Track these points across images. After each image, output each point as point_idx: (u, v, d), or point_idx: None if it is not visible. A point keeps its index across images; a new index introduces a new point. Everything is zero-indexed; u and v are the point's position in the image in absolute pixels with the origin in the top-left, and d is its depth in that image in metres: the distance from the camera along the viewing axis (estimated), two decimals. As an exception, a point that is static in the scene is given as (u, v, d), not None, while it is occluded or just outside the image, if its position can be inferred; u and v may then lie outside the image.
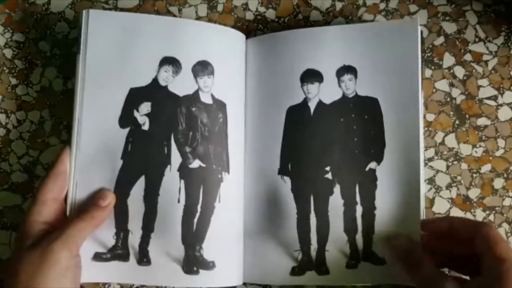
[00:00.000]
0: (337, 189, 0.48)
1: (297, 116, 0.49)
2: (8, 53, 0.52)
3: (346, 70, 0.48)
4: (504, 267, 0.39)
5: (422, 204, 0.46)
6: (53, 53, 0.52)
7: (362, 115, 0.48)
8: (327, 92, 0.49)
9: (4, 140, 0.51)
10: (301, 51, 0.49)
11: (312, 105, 0.49)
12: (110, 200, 0.45)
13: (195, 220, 0.47)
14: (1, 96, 0.52)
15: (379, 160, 0.47)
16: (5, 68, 0.52)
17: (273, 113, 0.49)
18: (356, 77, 0.48)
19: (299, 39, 0.49)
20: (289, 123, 0.49)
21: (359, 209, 0.47)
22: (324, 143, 0.48)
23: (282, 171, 0.48)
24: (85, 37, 0.47)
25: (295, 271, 0.47)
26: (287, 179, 0.48)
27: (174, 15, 0.53)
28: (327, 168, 0.48)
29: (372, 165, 0.47)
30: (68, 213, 0.46)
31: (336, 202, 0.48)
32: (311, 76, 0.49)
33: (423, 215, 0.46)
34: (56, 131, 0.51)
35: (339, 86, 0.48)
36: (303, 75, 0.49)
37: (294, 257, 0.48)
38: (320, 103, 0.49)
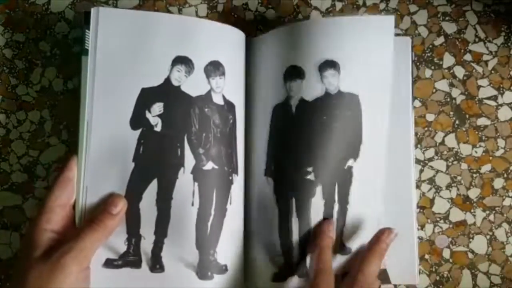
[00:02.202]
0: (319, 189, 0.46)
1: (280, 115, 0.48)
2: (8, 53, 0.52)
3: (328, 64, 0.47)
4: None
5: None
6: (53, 53, 0.52)
7: (345, 112, 0.47)
8: (310, 88, 0.47)
9: (4, 140, 0.51)
10: (283, 48, 0.48)
11: (294, 103, 0.47)
12: (121, 206, 0.44)
13: (209, 223, 0.45)
14: (1, 96, 0.52)
15: (355, 156, 0.46)
16: (5, 68, 0.52)
17: (261, 112, 0.49)
18: (339, 72, 0.47)
19: (281, 37, 0.48)
20: (274, 122, 0.48)
21: (336, 207, 0.47)
22: (306, 142, 0.47)
23: (267, 172, 0.48)
24: (94, 36, 0.46)
25: (277, 277, 0.47)
26: (270, 181, 0.47)
27: (174, 15, 0.53)
28: (309, 169, 0.46)
29: (350, 162, 0.46)
30: (77, 220, 0.44)
31: (317, 203, 0.46)
32: (292, 73, 0.48)
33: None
34: (56, 131, 0.51)
35: (322, 82, 0.47)
36: (285, 73, 0.48)
37: (276, 262, 0.47)
38: (301, 101, 0.47)
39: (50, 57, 0.52)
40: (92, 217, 0.43)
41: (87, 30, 0.46)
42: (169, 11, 0.53)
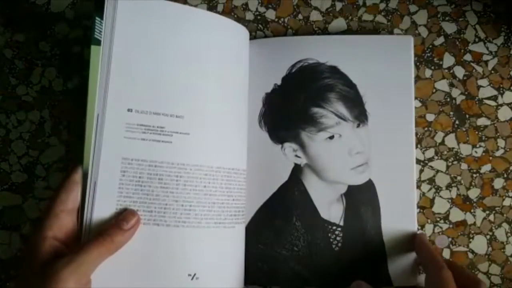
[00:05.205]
0: None
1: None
2: (8, 53, 0.52)
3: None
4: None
5: None
6: (53, 53, 0.52)
7: None
8: None
9: (4, 140, 0.51)
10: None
11: None
12: (134, 222, 0.41)
13: None
14: (1, 96, 0.52)
15: None
16: (5, 68, 0.52)
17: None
18: None
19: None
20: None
21: None
22: None
23: None
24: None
25: None
26: None
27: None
28: None
29: None
30: (83, 228, 0.41)
31: None
32: None
33: None
34: (56, 131, 0.51)
35: None
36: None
37: None
38: None
39: (50, 57, 0.52)
40: (101, 230, 0.40)
41: (98, 18, 0.43)
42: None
